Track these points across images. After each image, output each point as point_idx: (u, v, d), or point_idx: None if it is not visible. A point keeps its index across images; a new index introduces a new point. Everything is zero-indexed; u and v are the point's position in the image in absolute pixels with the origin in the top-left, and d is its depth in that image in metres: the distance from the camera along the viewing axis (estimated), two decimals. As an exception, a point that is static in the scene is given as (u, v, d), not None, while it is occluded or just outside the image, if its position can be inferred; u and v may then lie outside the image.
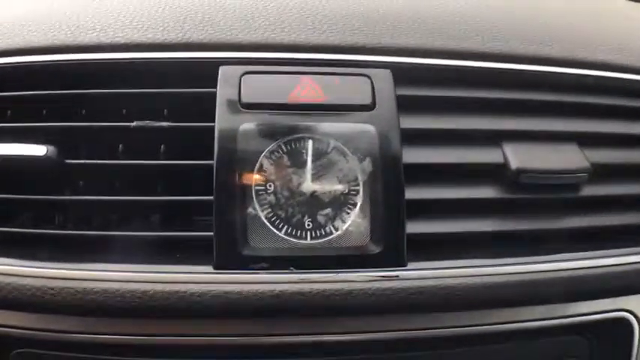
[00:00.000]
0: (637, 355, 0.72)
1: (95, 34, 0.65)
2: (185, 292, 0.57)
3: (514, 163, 0.63)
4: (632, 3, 0.98)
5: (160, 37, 0.65)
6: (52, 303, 0.58)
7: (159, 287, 0.57)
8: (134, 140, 0.63)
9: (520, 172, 0.63)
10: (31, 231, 0.61)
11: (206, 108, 0.61)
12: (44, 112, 0.64)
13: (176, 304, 0.56)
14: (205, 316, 0.58)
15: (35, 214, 0.63)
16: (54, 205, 0.61)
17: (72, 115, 0.64)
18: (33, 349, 0.63)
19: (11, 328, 0.62)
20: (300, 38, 0.64)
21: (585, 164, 0.65)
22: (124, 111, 0.64)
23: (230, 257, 0.58)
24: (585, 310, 0.67)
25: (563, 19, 0.78)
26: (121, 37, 0.65)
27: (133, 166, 0.61)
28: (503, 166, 0.64)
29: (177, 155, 0.62)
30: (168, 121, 0.63)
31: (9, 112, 0.65)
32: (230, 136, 0.59)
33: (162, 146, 0.63)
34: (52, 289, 0.58)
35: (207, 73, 0.63)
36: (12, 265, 0.59)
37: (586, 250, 0.65)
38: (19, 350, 0.63)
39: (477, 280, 0.60)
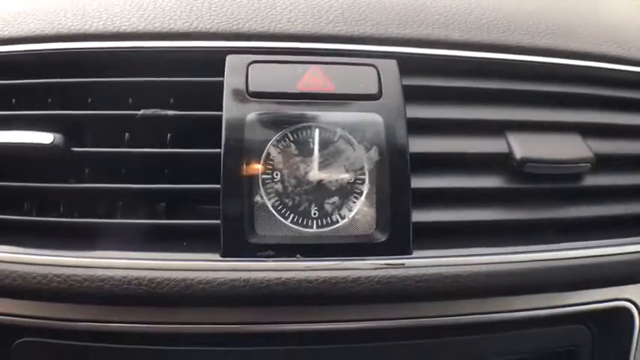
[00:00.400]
0: (637, 344, 0.72)
1: (101, 22, 0.65)
2: (192, 279, 0.57)
3: (519, 153, 0.64)
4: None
5: (165, 26, 0.65)
6: (58, 291, 0.58)
7: (165, 275, 0.57)
8: (140, 129, 0.63)
9: (524, 161, 0.64)
10: (36, 219, 0.61)
11: (212, 97, 0.61)
12: (49, 100, 0.64)
13: (183, 292, 0.57)
14: (211, 304, 0.59)
15: (40, 202, 0.63)
16: (59, 193, 0.61)
17: (78, 103, 0.63)
18: (36, 337, 0.63)
19: (14, 317, 0.62)
20: (307, 28, 0.65)
21: (588, 154, 0.66)
22: (130, 100, 0.64)
23: (237, 245, 0.58)
24: (587, 300, 0.68)
25: (568, 12, 0.79)
26: (127, 26, 0.65)
27: (139, 154, 0.61)
28: (508, 156, 0.64)
29: (183, 144, 0.63)
30: (174, 110, 0.63)
31: (14, 100, 0.65)
32: (237, 125, 0.59)
33: (168, 135, 0.64)
34: (58, 276, 0.58)
35: (213, 62, 0.63)
36: (17, 253, 0.59)
37: (588, 240, 0.66)
38: (22, 339, 0.63)
39: (482, 268, 0.61)
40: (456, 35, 0.67)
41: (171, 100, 0.64)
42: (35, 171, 0.61)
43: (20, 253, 0.59)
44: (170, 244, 0.60)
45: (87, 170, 0.62)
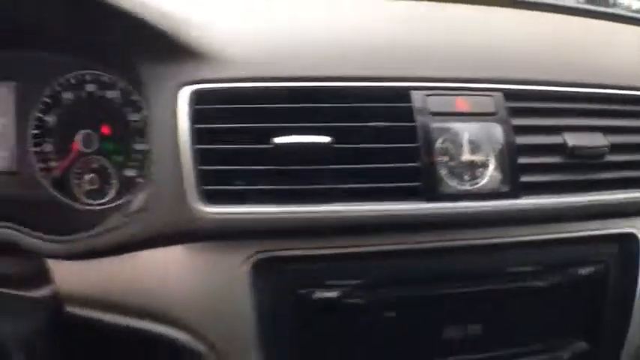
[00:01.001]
0: None
1: (330, 67, 1.08)
2: (411, 215, 1.04)
3: (570, 143, 1.13)
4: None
5: (373, 72, 1.08)
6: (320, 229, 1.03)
7: (395, 213, 1.04)
8: (365, 134, 1.08)
9: (574, 148, 1.12)
10: (326, 187, 0.97)
11: (402, 115, 1.09)
12: (314, 114, 1.06)
13: (406, 222, 1.03)
14: (415, 231, 1.06)
15: (311, 177, 1.05)
16: (329, 172, 1.05)
17: (329, 118, 1.05)
18: (308, 264, 1.01)
19: (288, 250, 1.03)
20: (455, 74, 1.11)
21: (606, 143, 1.15)
22: (353, 117, 1.10)
23: (433, 195, 1.04)
24: (610, 226, 1.19)
25: (603, 54, 1.30)
26: (347, 71, 1.06)
27: (371, 148, 1.05)
28: (564, 145, 1.13)
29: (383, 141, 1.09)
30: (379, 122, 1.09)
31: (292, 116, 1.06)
32: (425, 130, 1.05)
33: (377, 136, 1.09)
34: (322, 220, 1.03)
35: (402, 94, 1.08)
36: (300, 207, 1.02)
37: (609, 190, 1.16)
38: (290, 266, 1.01)
39: (552, 205, 1.10)
40: (536, 76, 1.16)
41: (377, 116, 1.10)
42: (310, 160, 1.04)
43: (307, 207, 1.02)
44: (382, 198, 1.05)
45: (342, 156, 1.06)
